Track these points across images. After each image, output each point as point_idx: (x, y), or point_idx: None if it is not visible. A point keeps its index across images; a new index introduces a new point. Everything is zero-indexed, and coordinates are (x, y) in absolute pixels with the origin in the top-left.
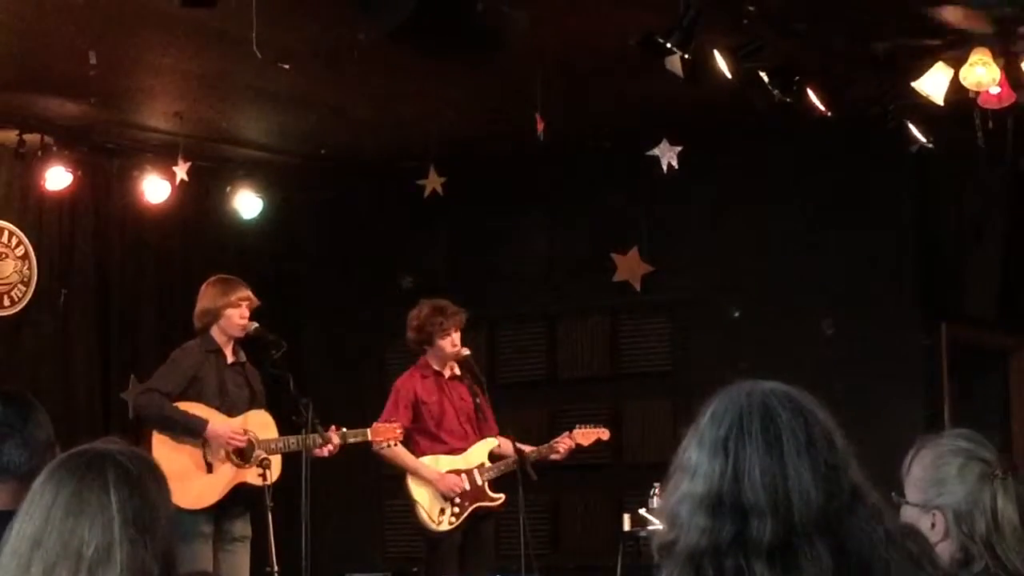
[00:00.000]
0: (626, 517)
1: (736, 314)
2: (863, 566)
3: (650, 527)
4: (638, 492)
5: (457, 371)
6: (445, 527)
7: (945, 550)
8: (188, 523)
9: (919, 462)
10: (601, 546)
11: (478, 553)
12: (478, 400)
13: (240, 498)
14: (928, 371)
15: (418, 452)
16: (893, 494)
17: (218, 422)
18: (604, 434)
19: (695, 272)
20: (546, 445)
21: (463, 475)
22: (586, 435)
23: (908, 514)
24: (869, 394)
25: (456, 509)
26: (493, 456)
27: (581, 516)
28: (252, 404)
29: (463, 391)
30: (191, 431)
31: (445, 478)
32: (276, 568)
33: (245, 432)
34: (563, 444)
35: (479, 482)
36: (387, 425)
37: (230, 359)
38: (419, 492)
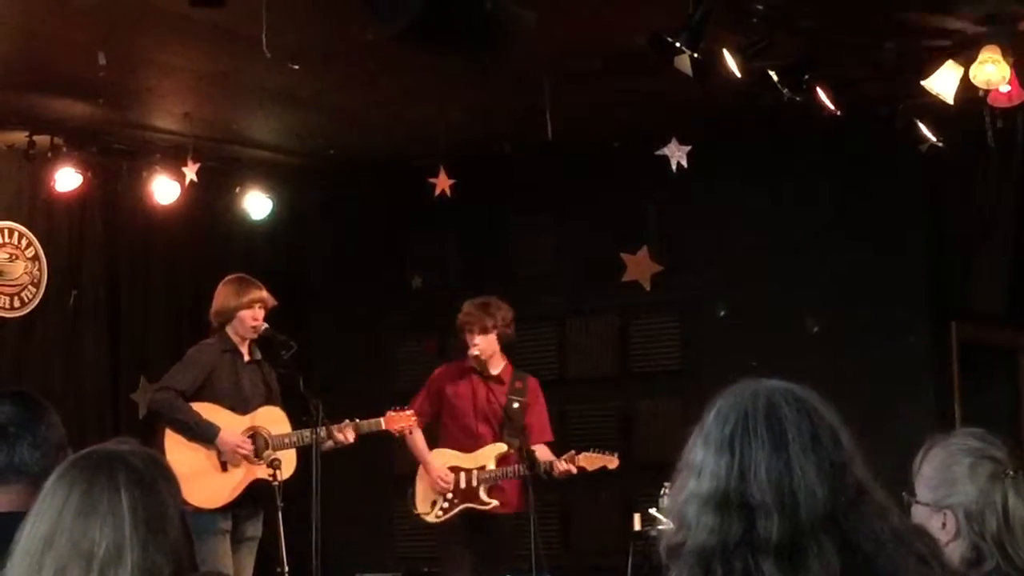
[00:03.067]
0: (636, 517)
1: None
2: (869, 563)
3: (660, 526)
4: (648, 492)
5: (496, 372)
6: (432, 519)
7: (956, 550)
8: (206, 521)
9: (929, 461)
10: (611, 546)
11: (487, 553)
12: (517, 404)
13: (255, 496)
14: (937, 369)
15: (443, 442)
16: (904, 493)
17: (228, 432)
18: (612, 463)
19: (705, 271)
20: (547, 462)
21: (462, 473)
22: (592, 460)
23: (919, 513)
24: (879, 393)
25: (445, 504)
26: (502, 461)
27: (591, 516)
28: (268, 402)
29: (497, 391)
30: (202, 436)
31: (435, 473)
32: (286, 569)
33: (255, 429)
34: (560, 466)
35: (473, 483)
36: (401, 413)
37: (247, 358)
38: (420, 481)
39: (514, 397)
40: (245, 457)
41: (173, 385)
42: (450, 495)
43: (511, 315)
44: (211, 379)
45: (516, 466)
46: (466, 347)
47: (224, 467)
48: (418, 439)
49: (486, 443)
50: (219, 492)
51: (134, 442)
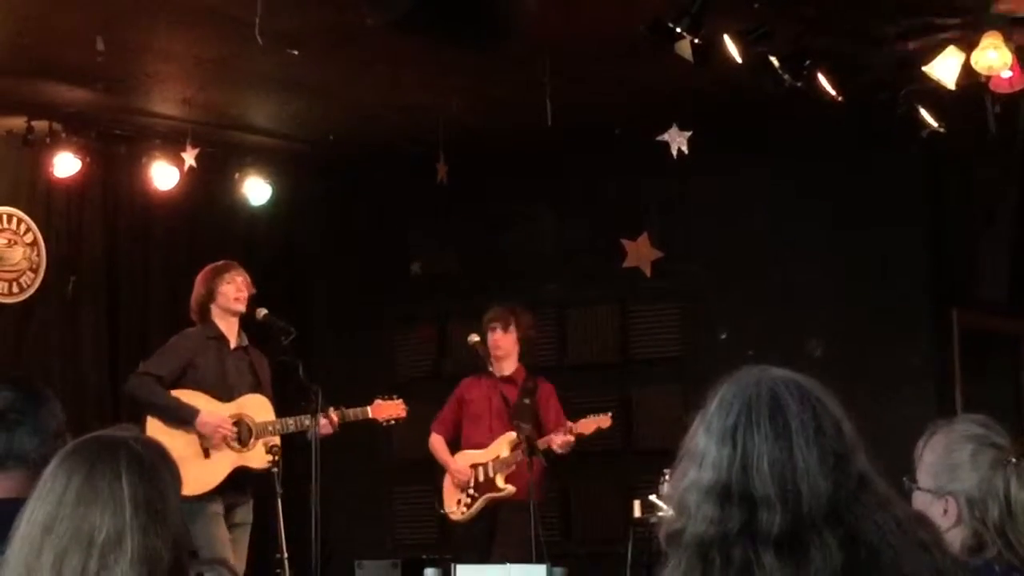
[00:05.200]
0: (636, 504)
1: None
2: (873, 555)
3: (660, 513)
4: (648, 479)
5: (508, 372)
6: (458, 516)
7: (957, 536)
8: (197, 507)
9: (931, 448)
10: (612, 533)
11: (499, 542)
12: (528, 400)
13: (241, 483)
14: (939, 356)
15: (464, 445)
16: (905, 479)
17: (207, 412)
18: (605, 422)
19: (705, 258)
20: (544, 439)
21: (479, 468)
22: (586, 425)
23: (920, 500)
24: (881, 381)
25: (468, 500)
26: (514, 448)
27: (591, 503)
28: (255, 390)
29: (511, 391)
30: (181, 420)
31: (456, 469)
32: (286, 555)
33: (240, 416)
34: (557, 440)
35: (491, 474)
36: (389, 402)
37: (233, 344)
38: (445, 482)
39: (524, 395)
40: (225, 439)
41: (151, 370)
42: (471, 490)
43: (532, 321)
44: (194, 366)
45: (519, 449)
46: (484, 363)
47: (207, 454)
48: (438, 446)
49: (499, 436)
50: (203, 478)
51: (135, 429)
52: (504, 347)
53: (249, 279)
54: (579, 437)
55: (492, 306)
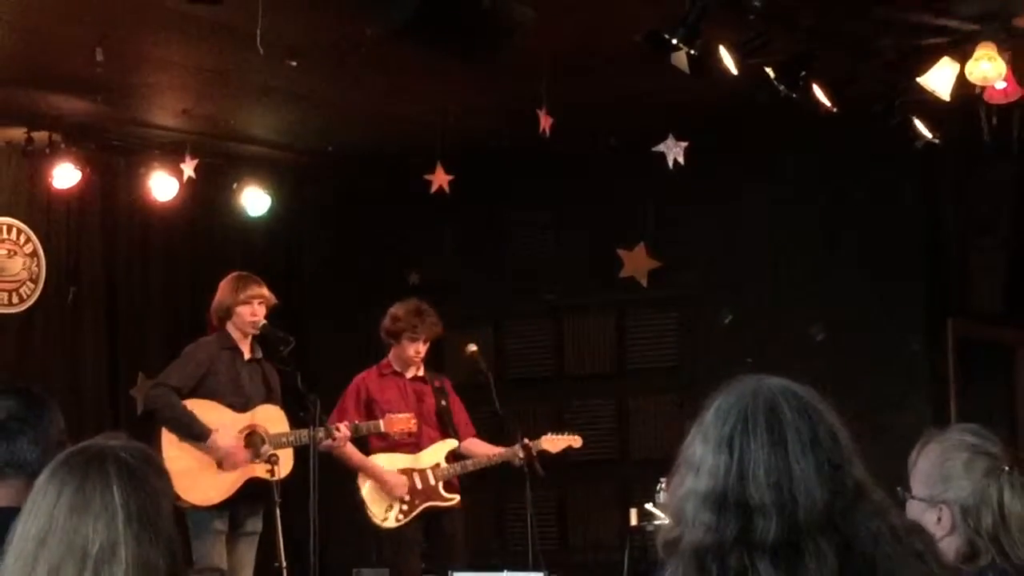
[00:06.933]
0: (633, 512)
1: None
2: (868, 564)
3: (657, 522)
4: (645, 487)
5: (420, 372)
6: (392, 524)
7: (951, 545)
8: (203, 519)
9: (925, 457)
10: (608, 541)
11: (440, 551)
12: (444, 402)
13: (252, 493)
14: (934, 366)
15: (370, 451)
16: (899, 489)
17: (222, 436)
18: (576, 441)
19: (701, 268)
20: (500, 452)
21: (415, 475)
22: (554, 442)
23: (914, 509)
24: (875, 390)
25: (404, 507)
26: (453, 457)
27: (588, 511)
28: (268, 400)
29: (426, 392)
30: (195, 436)
31: (391, 477)
32: (284, 564)
33: (253, 427)
34: (521, 452)
35: (431, 482)
36: (400, 416)
37: (247, 356)
38: (366, 489)
39: (440, 397)
40: (239, 462)
41: (169, 382)
42: (407, 497)
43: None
44: (209, 376)
45: (461, 461)
46: (388, 348)
47: (220, 465)
48: (351, 449)
49: (427, 442)
50: (215, 489)
51: (124, 436)
52: (424, 355)
53: (268, 294)
54: (543, 454)
55: (433, 315)
